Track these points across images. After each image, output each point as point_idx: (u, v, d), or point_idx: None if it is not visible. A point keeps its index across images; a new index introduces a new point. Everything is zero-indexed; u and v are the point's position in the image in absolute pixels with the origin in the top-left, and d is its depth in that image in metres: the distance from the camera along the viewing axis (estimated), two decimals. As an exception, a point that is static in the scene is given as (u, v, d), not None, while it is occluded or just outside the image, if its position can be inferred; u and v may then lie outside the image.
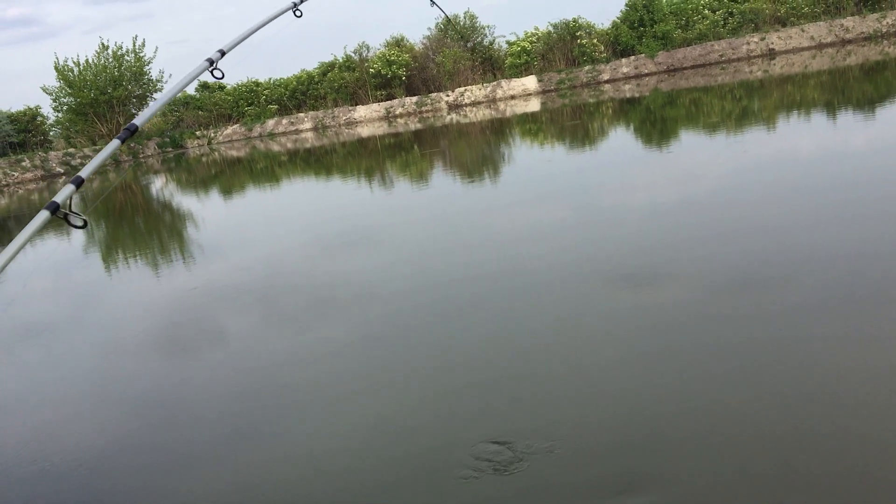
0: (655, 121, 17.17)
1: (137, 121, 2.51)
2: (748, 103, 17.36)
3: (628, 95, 24.67)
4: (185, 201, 17.05)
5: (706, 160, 10.78)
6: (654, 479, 3.05)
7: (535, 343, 4.79)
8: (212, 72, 2.89)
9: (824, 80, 19.21)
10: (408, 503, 3.18)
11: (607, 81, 30.66)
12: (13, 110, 35.86)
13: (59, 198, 2.16)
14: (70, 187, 2.20)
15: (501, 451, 3.42)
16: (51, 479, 3.96)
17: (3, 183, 28.25)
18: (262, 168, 22.28)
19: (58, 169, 30.58)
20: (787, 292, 4.93)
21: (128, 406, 4.96)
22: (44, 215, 2.11)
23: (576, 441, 3.45)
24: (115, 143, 2.40)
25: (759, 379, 3.81)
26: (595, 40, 32.25)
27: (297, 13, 3.46)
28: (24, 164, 29.92)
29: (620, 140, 15.18)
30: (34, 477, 4.03)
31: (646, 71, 30.55)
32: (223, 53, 3.02)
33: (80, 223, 2.17)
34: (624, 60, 31.22)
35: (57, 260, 11.76)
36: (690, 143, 13.00)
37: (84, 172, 2.27)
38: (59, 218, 2.16)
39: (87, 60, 34.06)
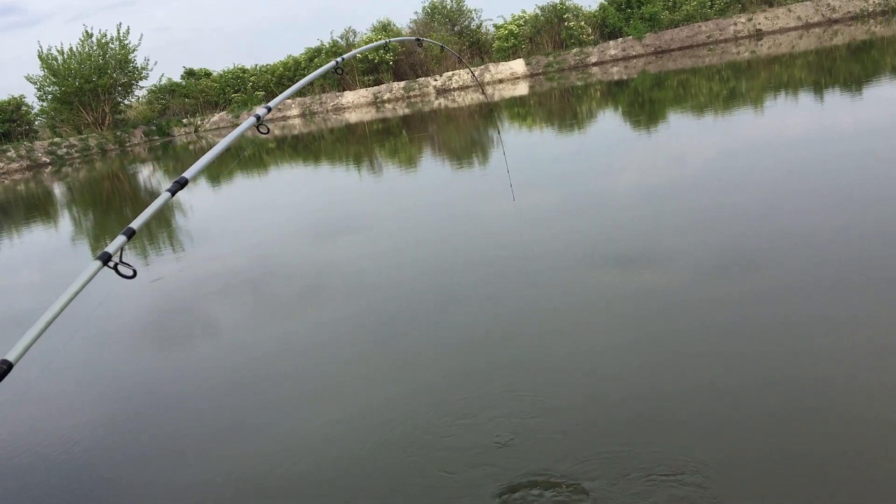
0: (644, 103, 17.17)
1: (188, 174, 2.51)
2: (736, 84, 17.37)
3: (616, 78, 24.64)
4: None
5: (694, 143, 10.80)
6: (651, 456, 3.07)
7: (529, 328, 4.80)
8: (258, 127, 2.97)
9: (811, 61, 19.23)
10: (404, 488, 3.19)
11: (595, 64, 30.61)
12: (-3, 100, 35.52)
13: (111, 248, 2.19)
14: (122, 238, 2.24)
15: (500, 434, 3.44)
16: (45, 471, 3.97)
17: (-11, 173, 28.02)
18: (250, 156, 22.17)
19: (44, 159, 30.34)
20: (778, 274, 4.95)
21: (120, 398, 4.95)
22: (95, 265, 2.14)
23: (573, 421, 3.46)
24: (165, 195, 2.41)
25: (753, 358, 3.83)
26: (583, 23, 32.20)
27: (339, 72, 3.73)
28: (9, 154, 29.67)
29: (609, 123, 15.17)
30: (29, 468, 4.03)
31: (633, 53, 30.52)
32: (269, 109, 3.11)
33: (129, 273, 2.20)
34: (612, 43, 31.17)
35: (45, 250, 11.70)
36: (679, 126, 13.01)
37: (135, 224, 2.31)
38: (110, 268, 2.18)
39: (71, 49, 33.78)
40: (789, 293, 4.60)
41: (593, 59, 30.92)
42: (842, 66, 17.16)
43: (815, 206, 6.31)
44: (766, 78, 17.54)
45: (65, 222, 14.82)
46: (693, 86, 18.66)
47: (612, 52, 30.92)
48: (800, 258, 5.15)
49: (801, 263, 5.05)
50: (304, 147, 21.81)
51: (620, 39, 31.05)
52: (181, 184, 2.45)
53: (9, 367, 1.85)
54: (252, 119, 2.93)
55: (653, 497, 2.83)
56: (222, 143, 2.72)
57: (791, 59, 20.30)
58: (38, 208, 17.52)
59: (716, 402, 3.48)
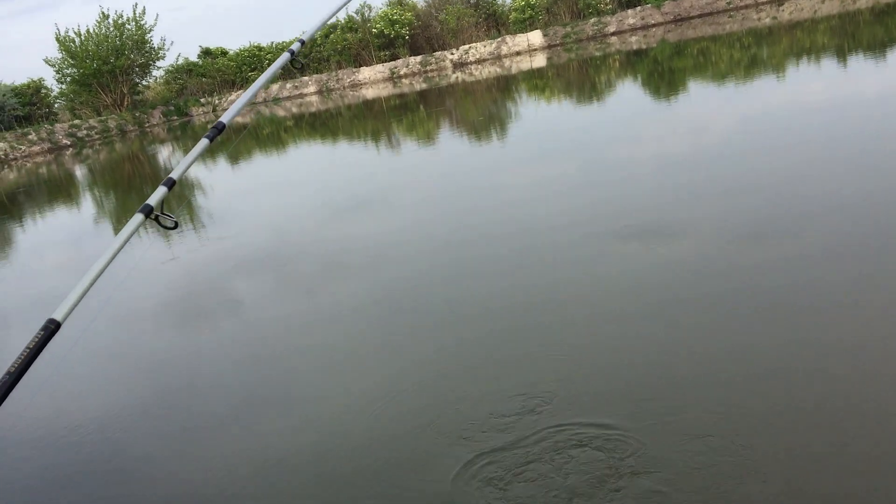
0: (663, 72, 16.96)
1: (224, 118, 2.47)
2: (757, 51, 17.10)
3: (635, 47, 24.35)
4: (193, 169, 17.05)
5: (715, 111, 10.67)
6: (674, 415, 3.07)
7: (550, 299, 4.80)
8: (292, 62, 2.88)
9: (834, 25, 18.89)
10: (427, 461, 3.22)
11: (613, 34, 30.25)
12: (17, 83, 35.76)
13: (152, 200, 2.18)
14: (162, 189, 2.20)
15: (525, 403, 3.45)
16: (76, 448, 4.04)
17: (11, 157, 28.29)
18: (269, 134, 22.21)
19: (64, 141, 30.58)
20: (801, 241, 4.91)
21: (145, 376, 5.02)
22: (138, 218, 2.13)
23: (595, 385, 3.47)
24: (203, 141, 2.36)
25: (777, 323, 3.81)
26: (600, -9, 31.77)
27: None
28: (30, 137, 29.92)
29: (628, 93, 15.02)
30: (61, 447, 4.11)
31: (652, 22, 30.11)
32: (303, 43, 3.00)
33: (171, 224, 2.19)
34: (630, 11, 30.76)
35: (67, 232, 11.83)
36: (699, 95, 12.86)
37: (175, 174, 2.27)
38: (152, 219, 2.16)
39: (88, 30, 33.87)
40: (818, 260, 4.56)
41: (611, 29, 30.55)
42: (865, 30, 16.83)
43: (842, 173, 6.22)
44: (788, 44, 17.26)
45: (87, 204, 14.96)
46: (713, 53, 18.40)
47: (631, 21, 30.52)
48: (827, 225, 5.09)
49: (829, 230, 5.00)
50: (322, 124, 21.80)
51: (639, 8, 30.63)
52: (219, 129, 2.41)
53: (57, 326, 1.84)
54: (286, 55, 2.85)
55: (681, 455, 2.84)
56: (257, 83, 2.65)
57: (813, 25, 19.94)
58: (61, 190, 17.70)
59: (742, 363, 3.47)
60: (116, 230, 10.12)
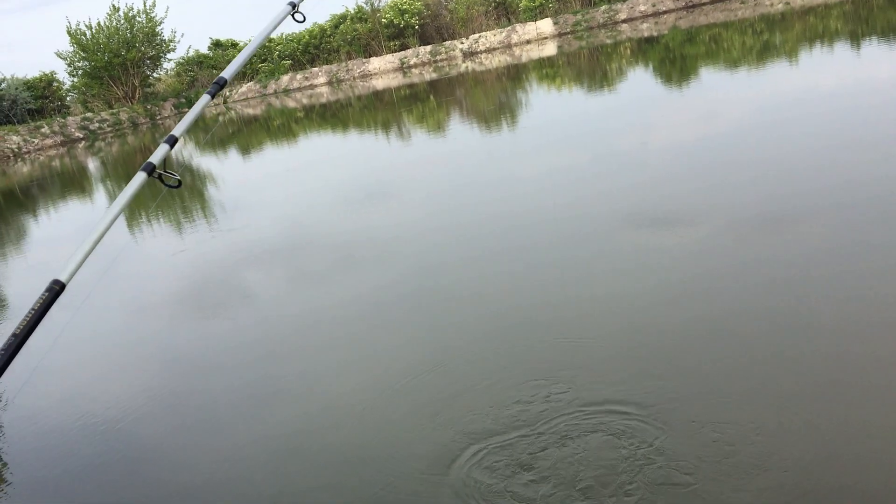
0: (675, 59, 16.85)
1: (226, 73, 2.44)
2: (769, 37, 16.97)
3: (646, 35, 24.20)
4: (204, 161, 17.10)
5: (727, 98, 10.60)
6: (684, 400, 3.07)
7: (564, 288, 4.80)
8: (293, 15, 2.76)
9: (847, 10, 18.70)
10: (446, 450, 3.23)
11: (624, 21, 30.05)
12: (29, 77, 35.91)
13: (154, 159, 2.15)
14: (164, 147, 2.18)
15: (543, 389, 3.46)
16: (92, 436, 4.08)
17: (24, 150, 28.45)
18: (279, 125, 22.24)
19: (77, 134, 30.72)
20: (815, 230, 4.89)
21: (158, 365, 5.06)
22: (141, 177, 2.11)
23: (612, 372, 3.47)
24: (205, 97, 2.33)
25: (790, 312, 3.80)
26: (611, -21, 31.55)
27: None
28: (42, 130, 30.07)
29: (639, 81, 14.94)
30: (77, 435, 4.15)
31: (664, 8, 29.88)
32: None
33: (174, 183, 2.18)
34: (641, -1, 30.54)
35: (79, 222, 11.90)
36: (711, 82, 12.77)
37: (176, 131, 2.25)
38: (154, 178, 2.15)
39: (98, 23, 33.92)
40: (837, 248, 4.54)
41: (622, 16, 30.35)
42: (879, 15, 16.65)
43: (858, 160, 6.17)
44: (801, 30, 17.11)
45: (100, 196, 15.04)
46: (725, 40, 18.27)
47: (642, 7, 30.30)
48: (838, 215, 5.06)
49: (839, 220, 4.97)
50: (332, 115, 21.81)
51: (650, -5, 30.40)
52: (220, 84, 2.39)
53: (62, 287, 1.83)
54: (287, 7, 2.75)
55: (699, 443, 2.84)
56: (257, 39, 2.62)
57: (826, 10, 19.75)
58: (73, 183, 17.80)
59: (754, 350, 3.46)
60: (129, 221, 10.18)
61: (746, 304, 4.03)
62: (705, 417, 3.04)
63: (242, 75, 36.98)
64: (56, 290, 1.81)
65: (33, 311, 1.76)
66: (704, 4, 29.00)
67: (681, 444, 2.91)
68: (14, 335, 1.71)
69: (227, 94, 35.61)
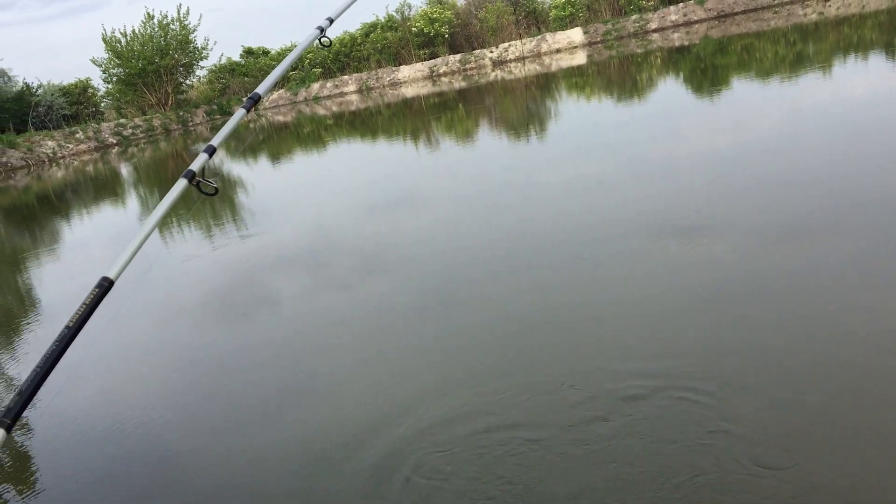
0: (706, 69, 16.73)
1: (260, 90, 2.55)
2: (802, 48, 16.78)
3: (677, 44, 24.06)
4: (235, 168, 17.27)
5: (758, 109, 10.49)
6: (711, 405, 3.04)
7: (588, 295, 4.78)
8: (320, 40, 2.91)
9: (882, 21, 18.44)
10: (471, 454, 3.23)
11: (655, 31, 29.90)
12: (64, 83, 36.59)
13: (194, 166, 2.25)
14: (203, 156, 2.29)
15: (565, 395, 3.44)
16: (120, 439, 4.13)
17: (59, 155, 28.94)
18: (309, 132, 22.41)
19: (110, 139, 31.20)
20: (842, 241, 4.82)
21: (184, 369, 5.11)
22: (182, 183, 2.22)
23: (639, 375, 3.45)
24: (240, 112, 2.47)
25: (815, 321, 3.75)
26: (642, -12, 31.43)
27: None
28: (77, 135, 30.58)
29: (669, 91, 14.85)
30: (106, 437, 4.20)
31: (695, 18, 29.69)
32: (331, 21, 3.02)
33: (211, 191, 2.27)
34: (672, 8, 30.37)
35: (109, 227, 12.08)
36: (742, 92, 12.66)
37: (215, 141, 2.37)
38: (193, 186, 2.25)
39: (133, 31, 34.49)
40: (867, 254, 4.48)
41: (653, 26, 30.20)
42: (917, 26, 16.41)
43: (890, 170, 6.08)
44: (835, 40, 16.90)
45: (132, 201, 15.25)
46: (758, 50, 18.10)
47: (673, 17, 30.14)
48: (865, 226, 4.99)
49: (866, 232, 4.90)
50: (362, 123, 21.93)
51: (681, 4, 30.23)
52: (255, 100, 2.53)
53: (110, 284, 1.95)
54: (316, 31, 2.91)
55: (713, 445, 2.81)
56: (290, 57, 2.74)
57: (861, 20, 19.50)
58: (106, 188, 18.07)
59: (779, 357, 3.42)
60: (161, 227, 10.31)
61: (779, 316, 3.98)
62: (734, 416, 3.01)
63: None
64: (105, 286, 1.94)
65: (85, 305, 1.88)
66: (736, 14, 28.77)
67: (710, 459, 2.87)
68: (67, 327, 1.83)
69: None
